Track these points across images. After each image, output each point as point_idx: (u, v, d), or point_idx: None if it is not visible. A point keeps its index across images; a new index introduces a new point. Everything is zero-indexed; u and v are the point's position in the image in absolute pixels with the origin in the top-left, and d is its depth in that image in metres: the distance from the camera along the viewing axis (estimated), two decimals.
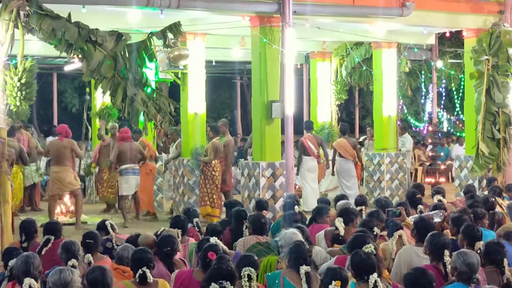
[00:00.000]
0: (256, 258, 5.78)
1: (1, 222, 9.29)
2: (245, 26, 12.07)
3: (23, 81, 9.55)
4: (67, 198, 13.59)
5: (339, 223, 7.66)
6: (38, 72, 11.40)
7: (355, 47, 16.13)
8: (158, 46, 11.74)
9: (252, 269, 5.51)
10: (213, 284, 4.98)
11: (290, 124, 11.67)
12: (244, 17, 11.95)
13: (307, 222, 8.37)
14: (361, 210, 8.79)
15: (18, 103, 9.58)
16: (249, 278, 5.48)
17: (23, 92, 9.55)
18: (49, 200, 12.26)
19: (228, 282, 4.99)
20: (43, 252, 7.00)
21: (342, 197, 9.52)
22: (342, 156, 14.08)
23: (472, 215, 7.75)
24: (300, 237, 6.66)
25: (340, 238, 7.54)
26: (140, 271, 5.51)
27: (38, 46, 13.08)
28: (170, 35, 10.35)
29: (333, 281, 4.94)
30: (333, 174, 14.60)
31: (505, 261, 5.86)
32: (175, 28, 10.29)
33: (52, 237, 7.21)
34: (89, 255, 6.56)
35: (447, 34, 16.91)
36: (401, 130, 17.19)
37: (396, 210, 7.73)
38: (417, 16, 13.20)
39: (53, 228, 7.37)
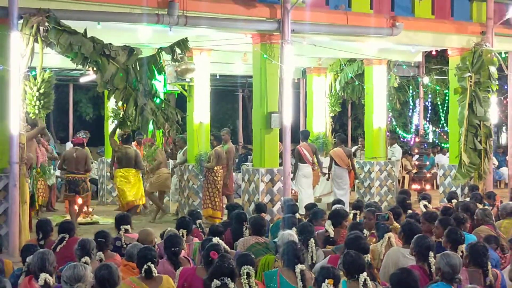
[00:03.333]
0: (253, 256, 5.75)
1: (20, 221, 9.30)
2: (247, 43, 12.08)
3: (41, 91, 9.57)
4: (80, 200, 13.58)
5: (329, 225, 7.67)
6: (56, 83, 11.39)
7: (348, 63, 16.16)
8: (167, 60, 11.74)
9: (251, 267, 5.50)
10: (215, 280, 4.97)
11: (287, 134, 11.68)
12: (246, 34, 11.97)
13: None
14: (356, 214, 8.78)
15: (36, 112, 9.60)
16: (248, 275, 5.47)
17: (42, 101, 9.57)
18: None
19: (229, 279, 4.98)
20: (57, 249, 6.99)
21: (339, 201, 9.50)
22: (338, 164, 14.06)
23: (455, 219, 7.73)
24: (295, 238, 6.65)
25: (331, 239, 7.54)
26: (145, 266, 5.50)
27: (56, 59, 13.08)
28: (178, 50, 10.38)
29: (326, 280, 4.91)
30: (328, 179, 14.57)
31: (488, 263, 5.84)
32: (182, 44, 10.32)
33: (67, 236, 7.20)
34: (100, 252, 6.56)
35: (434, 53, 16.94)
36: (391, 140, 17.22)
37: (385, 214, 7.72)
38: (406, 35, 13.23)
39: (67, 227, 7.36)
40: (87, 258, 6.10)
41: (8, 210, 9.28)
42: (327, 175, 14.45)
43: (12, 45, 9.15)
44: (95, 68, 9.74)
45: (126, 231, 7.76)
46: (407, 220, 7.09)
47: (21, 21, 9.33)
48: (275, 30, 11.57)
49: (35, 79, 9.63)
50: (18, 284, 5.72)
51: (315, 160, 13.97)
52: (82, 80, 16.87)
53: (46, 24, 9.32)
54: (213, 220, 12.10)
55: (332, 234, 7.54)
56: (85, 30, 9.61)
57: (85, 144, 12.62)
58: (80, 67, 9.99)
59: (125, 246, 7.32)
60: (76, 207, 12.24)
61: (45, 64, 11.33)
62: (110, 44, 9.66)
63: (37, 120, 10.11)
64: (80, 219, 12.47)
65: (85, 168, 12.26)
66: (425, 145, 19.77)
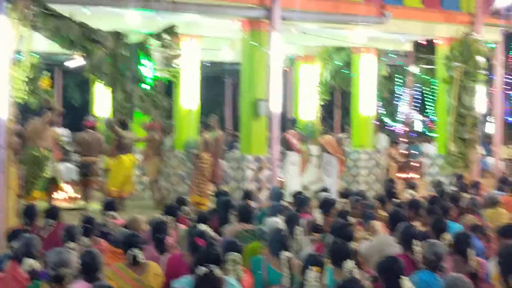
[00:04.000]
0: (239, 243, 5.77)
1: (4, 207, 9.26)
2: (236, 30, 12.04)
3: (29, 75, 9.50)
4: (68, 187, 13.54)
5: (318, 214, 7.70)
6: (43, 67, 11.34)
7: (337, 51, 16.13)
8: (155, 46, 11.69)
9: (238, 254, 5.51)
10: (201, 267, 4.97)
11: (275, 121, 11.68)
12: (235, 21, 11.93)
13: None
14: (345, 202, 8.82)
15: (24, 97, 9.53)
16: (234, 262, 5.49)
17: (29, 86, 9.50)
18: None
19: (215, 266, 4.98)
20: (44, 235, 6.99)
21: (325, 189, 9.53)
22: (328, 152, 14.05)
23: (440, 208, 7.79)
24: (281, 225, 6.68)
25: (319, 227, 7.56)
26: (131, 252, 5.50)
27: (43, 43, 12.97)
28: (166, 37, 10.33)
29: (312, 267, 4.94)
30: (319, 167, 14.59)
31: (470, 251, 5.89)
32: (170, 30, 10.28)
33: (53, 221, 7.20)
34: (86, 238, 6.56)
35: (423, 42, 16.95)
36: (376, 129, 17.30)
37: (370, 203, 7.76)
38: (395, 24, 13.23)
39: (53, 213, 7.37)
40: (73, 244, 6.09)
41: None
42: (316, 163, 14.49)
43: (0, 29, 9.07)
44: (82, 53, 9.68)
45: (113, 217, 7.76)
46: (393, 208, 7.13)
47: (9, 5, 9.23)
48: (264, 17, 11.54)
49: (23, 63, 9.55)
50: (3, 269, 5.70)
51: (303, 148, 13.98)
52: (69, 64, 16.77)
53: (34, 8, 9.23)
54: (200, 207, 12.08)
55: (320, 222, 7.57)
56: (73, 14, 9.54)
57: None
58: (67, 52, 9.91)
59: (111, 232, 7.32)
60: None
61: (33, 48, 11.25)
62: (98, 29, 9.61)
63: (51, 104, 9.98)
64: (67, 204, 12.43)
65: (98, 150, 12.24)
66: (412, 134, 19.83)
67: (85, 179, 12.28)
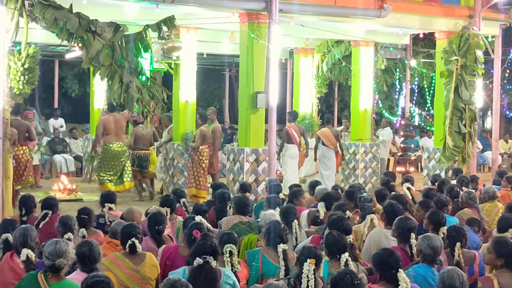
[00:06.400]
0: (236, 235, 5.78)
1: (3, 197, 9.24)
2: (234, 22, 12.01)
3: (26, 66, 9.46)
4: (64, 177, 13.56)
5: (321, 207, 7.67)
6: (41, 58, 11.31)
7: (336, 44, 16.12)
8: (153, 38, 11.64)
9: (234, 246, 5.53)
10: (197, 258, 4.99)
11: (273, 114, 11.67)
12: (233, 13, 11.90)
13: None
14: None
15: (21, 87, 9.50)
16: (231, 254, 5.51)
17: (26, 77, 9.46)
18: None
19: (211, 257, 4.99)
20: (40, 226, 7.00)
21: (316, 183, 9.52)
22: (325, 144, 14.06)
23: (437, 202, 7.79)
24: (278, 217, 6.69)
25: (319, 220, 7.57)
26: (129, 242, 5.51)
27: (41, 34, 12.96)
28: (164, 28, 10.27)
29: (308, 259, 4.94)
30: (315, 160, 14.61)
31: (458, 244, 5.91)
32: (169, 21, 10.21)
33: (50, 212, 7.20)
34: (83, 229, 6.57)
35: (421, 35, 16.94)
36: (384, 123, 17.37)
37: (368, 196, 7.77)
38: (394, 17, 13.22)
39: (50, 204, 7.36)
40: (70, 234, 6.11)
41: None
42: (311, 156, 14.49)
43: None
44: (80, 44, 9.63)
45: (110, 208, 7.77)
46: (389, 201, 7.14)
47: None
48: (263, 10, 11.51)
49: (20, 54, 9.52)
50: None
51: (303, 141, 13.98)
52: (68, 56, 16.76)
53: None
54: (197, 199, 12.10)
55: (322, 216, 7.55)
56: (71, 5, 9.49)
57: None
58: (65, 42, 9.87)
59: (108, 223, 7.33)
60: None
61: (30, 39, 11.18)
62: (96, 20, 9.55)
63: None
64: (64, 196, 12.45)
65: (150, 143, 12.98)
66: (411, 128, 19.83)
67: (141, 171, 12.79)
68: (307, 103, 16.79)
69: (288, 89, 18.57)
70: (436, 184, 10.24)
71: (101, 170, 12.52)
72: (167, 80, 14.66)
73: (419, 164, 19.05)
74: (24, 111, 14.17)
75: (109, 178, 12.48)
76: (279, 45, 11.87)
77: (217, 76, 27.40)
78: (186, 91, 13.11)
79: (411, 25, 14.22)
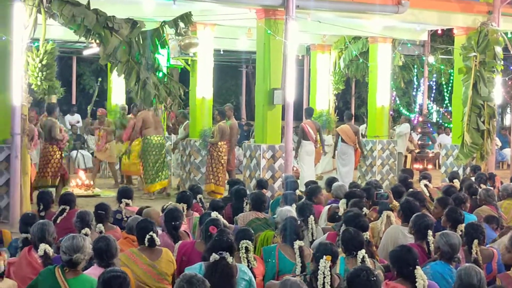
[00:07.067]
0: (252, 231, 5.78)
1: (21, 193, 9.33)
2: (251, 18, 12.01)
3: (44, 62, 9.56)
4: (82, 173, 13.63)
5: (342, 204, 7.63)
6: (59, 55, 11.40)
7: (353, 41, 16.07)
8: (170, 34, 11.70)
9: (249, 242, 5.53)
10: (213, 254, 4.99)
11: (290, 110, 11.65)
12: (250, 9, 11.90)
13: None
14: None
15: (39, 83, 9.59)
16: (247, 250, 5.51)
17: (44, 73, 9.56)
18: None
19: (227, 253, 4.99)
20: (58, 221, 7.03)
21: (333, 179, 9.49)
22: (344, 141, 14.01)
23: (455, 199, 7.74)
24: (294, 214, 6.67)
25: (337, 217, 7.53)
26: (148, 236, 5.53)
27: (59, 31, 13.03)
28: (181, 24, 10.31)
29: (324, 256, 4.93)
30: (333, 156, 14.57)
31: (475, 242, 5.87)
32: (186, 18, 10.24)
33: (67, 207, 7.24)
34: (101, 225, 6.60)
35: (439, 31, 16.83)
36: (403, 119, 17.32)
37: (384, 193, 7.73)
38: (412, 13, 13.14)
39: (68, 199, 7.40)
40: (87, 230, 6.13)
41: (9, 181, 9.30)
42: (331, 152, 14.46)
43: (15, 15, 9.11)
44: (97, 41, 9.69)
45: (127, 204, 7.80)
46: (406, 198, 7.10)
47: None
48: (280, 6, 11.49)
49: (38, 50, 9.60)
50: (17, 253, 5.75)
51: (318, 137, 13.95)
52: (86, 52, 16.84)
53: None
54: (215, 195, 12.12)
55: (341, 213, 7.52)
56: (88, 1, 9.55)
57: None
58: (83, 39, 9.94)
59: (125, 219, 7.36)
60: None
61: (49, 36, 11.31)
62: (113, 16, 9.61)
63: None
64: (82, 191, 12.53)
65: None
66: (429, 125, 19.72)
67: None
68: (324, 99, 16.75)
69: (305, 85, 18.53)
70: (454, 181, 10.18)
71: (147, 167, 12.54)
72: (184, 76, 14.69)
73: (437, 161, 18.94)
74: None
75: (151, 178, 12.52)
76: (296, 41, 11.84)
77: (234, 72, 27.41)
78: (203, 87, 13.12)
79: (429, 21, 14.12)
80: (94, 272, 4.84)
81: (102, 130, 13.98)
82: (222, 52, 17.84)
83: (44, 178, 11.35)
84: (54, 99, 12.49)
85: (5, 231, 6.78)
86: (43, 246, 5.35)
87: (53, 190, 10.38)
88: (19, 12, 9.14)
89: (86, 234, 5.87)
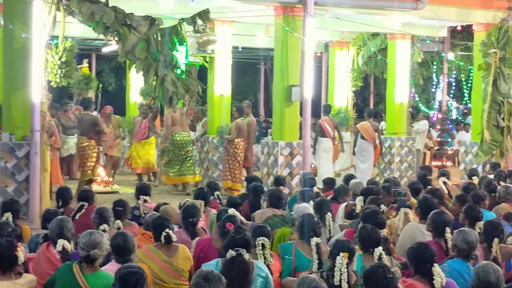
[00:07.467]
0: (268, 228, 5.78)
1: (40, 189, 9.41)
2: (269, 15, 11.99)
3: (63, 59, 9.61)
4: (101, 170, 13.71)
5: (359, 201, 7.61)
6: (78, 52, 11.48)
7: (372, 37, 15.98)
8: (188, 31, 11.71)
9: (266, 239, 5.53)
10: (230, 251, 5.00)
11: (308, 107, 11.62)
12: (268, 6, 11.88)
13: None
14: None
15: (58, 80, 9.66)
16: (263, 246, 5.51)
17: (63, 70, 9.62)
18: None
19: (244, 250, 5.00)
20: (77, 217, 7.09)
21: (351, 176, 9.46)
22: (364, 138, 13.96)
23: (474, 196, 7.69)
24: (311, 211, 6.67)
25: (354, 214, 7.50)
26: (164, 233, 5.55)
27: (78, 28, 13.12)
28: (199, 22, 10.31)
29: (341, 253, 4.92)
30: (353, 153, 14.52)
31: (495, 240, 5.82)
32: (204, 15, 10.24)
33: (86, 204, 7.29)
34: (119, 221, 6.63)
35: (459, 28, 16.70)
36: (421, 116, 17.24)
37: (402, 190, 7.69)
38: (431, 10, 13.03)
39: (87, 196, 7.45)
40: (105, 226, 6.17)
41: (29, 178, 9.38)
42: (350, 149, 14.42)
43: (35, 13, 9.17)
44: (116, 38, 9.73)
45: (145, 201, 7.84)
46: (424, 196, 7.06)
47: None
48: (298, 2, 11.46)
49: (57, 47, 9.67)
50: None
51: (336, 134, 13.91)
52: (105, 50, 16.94)
53: None
54: (232, 192, 12.15)
55: (358, 210, 7.49)
56: None
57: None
58: (101, 36, 9.99)
59: (143, 215, 7.40)
60: None
61: (68, 33, 11.38)
62: (131, 14, 9.63)
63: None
64: (100, 188, 12.60)
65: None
66: (448, 122, 19.60)
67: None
68: (342, 96, 16.69)
69: (323, 82, 18.48)
70: (473, 178, 10.11)
71: (168, 161, 12.63)
72: (202, 73, 14.73)
73: (456, 158, 18.81)
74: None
75: (174, 171, 12.61)
76: (314, 38, 11.80)
77: (252, 69, 27.41)
78: (221, 84, 13.15)
79: (448, 18, 14.02)
80: (111, 268, 4.87)
81: (111, 127, 14.00)
82: (240, 49, 17.84)
83: (86, 172, 11.80)
84: (90, 94, 12.80)
85: (25, 227, 6.85)
86: (61, 242, 5.40)
87: (72, 186, 10.46)
88: (38, 9, 9.20)
89: (104, 230, 5.91)
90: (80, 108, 12.78)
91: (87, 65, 13.69)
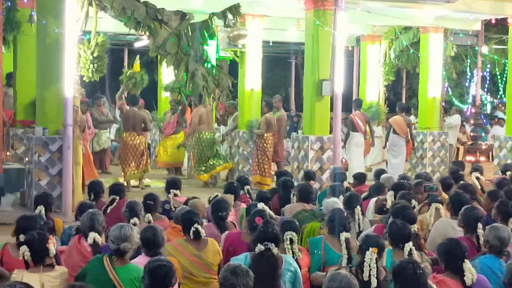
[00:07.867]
0: (297, 223, 5.77)
1: (73, 183, 9.53)
2: (300, 9, 11.95)
3: (95, 54, 9.71)
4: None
5: (390, 196, 7.56)
6: (110, 47, 11.59)
7: (404, 31, 15.82)
8: (219, 26, 11.73)
9: (294, 233, 5.53)
10: (258, 245, 5.01)
11: (338, 102, 11.56)
12: (299, 0, 11.84)
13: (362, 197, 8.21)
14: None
15: (90, 75, 9.76)
16: (291, 241, 5.51)
17: (95, 65, 9.71)
18: None
19: (272, 244, 5.01)
20: (108, 211, 7.15)
21: (382, 171, 9.39)
22: (396, 132, 13.84)
23: (507, 192, 7.57)
24: (341, 205, 6.64)
25: (385, 209, 7.46)
26: (193, 228, 5.57)
27: (110, 24, 13.22)
28: (230, 16, 10.32)
29: (370, 248, 4.89)
30: (384, 147, 14.43)
31: None
32: (234, 9, 10.25)
33: (117, 197, 7.35)
34: (149, 214, 6.68)
35: (493, 21, 16.44)
36: (453, 111, 17.06)
37: (433, 185, 7.61)
38: (464, 3, 12.85)
39: (118, 189, 7.52)
40: (136, 219, 6.22)
41: (62, 171, 9.51)
42: (382, 144, 14.32)
43: (67, 8, 9.26)
44: (147, 33, 9.79)
45: (175, 195, 7.88)
46: (456, 191, 6.99)
47: None
48: None
49: (89, 43, 9.77)
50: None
51: (368, 129, 13.82)
52: (136, 45, 17.07)
53: None
54: (261, 186, 12.16)
55: (388, 205, 7.44)
56: None
57: None
58: (133, 31, 10.06)
59: (173, 209, 7.45)
60: None
61: (100, 29, 11.48)
62: (162, 8, 9.68)
63: None
64: (133, 182, 12.71)
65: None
66: (482, 116, 19.34)
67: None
68: (374, 91, 16.56)
69: (355, 76, 18.36)
70: (507, 173, 9.96)
71: (199, 160, 12.73)
72: (233, 68, 14.76)
73: (490, 153, 18.56)
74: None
75: (202, 169, 12.70)
76: (345, 32, 11.73)
77: (283, 64, 27.36)
78: (252, 79, 13.15)
79: (482, 11, 13.81)
80: (141, 261, 4.91)
81: None
82: (271, 44, 17.81)
83: (137, 169, 12.15)
84: (137, 90, 13.06)
85: (57, 220, 6.95)
86: (92, 235, 5.46)
87: (104, 180, 10.58)
88: (71, 5, 9.29)
89: (134, 224, 5.97)
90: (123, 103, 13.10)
91: (139, 61, 14.01)
